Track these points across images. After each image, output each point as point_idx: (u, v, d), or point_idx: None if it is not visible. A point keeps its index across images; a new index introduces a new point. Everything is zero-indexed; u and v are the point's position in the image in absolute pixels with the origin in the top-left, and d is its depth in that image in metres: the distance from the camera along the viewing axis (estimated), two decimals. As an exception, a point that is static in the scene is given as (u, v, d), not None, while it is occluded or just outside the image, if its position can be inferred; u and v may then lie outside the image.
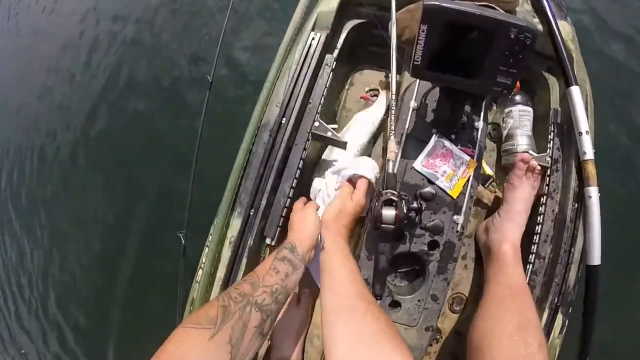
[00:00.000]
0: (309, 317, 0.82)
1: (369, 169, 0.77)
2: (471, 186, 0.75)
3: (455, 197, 0.74)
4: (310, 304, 0.83)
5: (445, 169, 0.75)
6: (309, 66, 0.79)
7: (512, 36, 0.63)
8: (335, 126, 0.81)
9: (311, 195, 0.83)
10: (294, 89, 0.77)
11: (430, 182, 0.74)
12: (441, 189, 0.74)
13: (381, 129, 0.90)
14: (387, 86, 0.92)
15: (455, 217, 0.73)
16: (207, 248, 0.74)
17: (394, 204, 0.65)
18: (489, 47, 0.64)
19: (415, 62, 0.66)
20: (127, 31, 2.13)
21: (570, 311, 0.76)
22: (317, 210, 0.76)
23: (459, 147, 0.76)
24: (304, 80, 0.78)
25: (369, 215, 0.72)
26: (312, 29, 0.82)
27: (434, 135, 0.76)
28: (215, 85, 1.13)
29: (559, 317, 0.74)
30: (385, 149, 0.80)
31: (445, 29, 0.63)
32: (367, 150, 0.89)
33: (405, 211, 0.65)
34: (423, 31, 0.63)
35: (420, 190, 0.74)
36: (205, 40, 1.87)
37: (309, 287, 0.83)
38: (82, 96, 2.11)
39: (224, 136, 1.40)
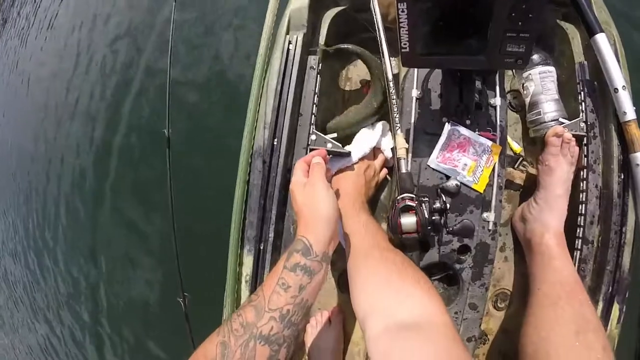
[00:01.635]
0: (342, 336, 0.79)
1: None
2: (498, 175, 0.65)
3: (482, 191, 0.65)
4: (341, 321, 0.79)
5: (465, 161, 0.65)
6: (290, 75, 0.70)
7: None
8: (335, 135, 0.73)
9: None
10: (280, 104, 0.70)
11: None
12: (465, 184, 0.65)
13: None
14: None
15: (485, 214, 0.65)
16: (225, 293, 0.70)
17: (413, 209, 0.57)
18: (489, 12, 0.53)
19: (404, 49, 0.57)
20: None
21: (627, 296, 0.67)
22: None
23: (477, 132, 0.66)
24: (288, 91, 0.70)
25: (388, 225, 0.64)
26: (287, 32, 0.73)
27: (446, 124, 0.66)
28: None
29: (615, 307, 0.65)
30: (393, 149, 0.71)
31: (428, 1, 0.52)
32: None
33: (427, 215, 0.58)
34: (402, 10, 0.53)
35: (442, 184, 0.65)
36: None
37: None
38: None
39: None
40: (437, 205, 0.61)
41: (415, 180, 0.65)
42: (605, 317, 0.66)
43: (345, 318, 0.79)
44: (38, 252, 2.37)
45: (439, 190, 0.64)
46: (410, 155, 0.65)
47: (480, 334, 0.70)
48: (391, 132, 0.72)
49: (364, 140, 0.73)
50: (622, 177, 0.67)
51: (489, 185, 0.65)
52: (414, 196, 0.58)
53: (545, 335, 0.59)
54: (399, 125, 0.63)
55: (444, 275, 0.68)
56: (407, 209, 0.58)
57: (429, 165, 0.66)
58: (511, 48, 0.56)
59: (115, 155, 1.89)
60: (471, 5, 0.53)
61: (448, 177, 0.65)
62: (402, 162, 0.62)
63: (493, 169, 0.65)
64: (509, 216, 0.77)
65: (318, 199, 0.52)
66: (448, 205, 0.63)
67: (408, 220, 0.57)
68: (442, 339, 0.44)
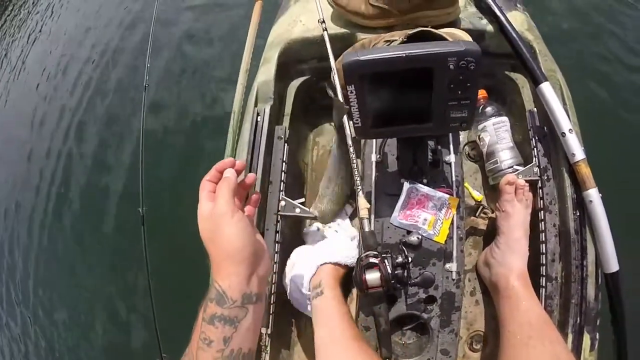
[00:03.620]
0: None
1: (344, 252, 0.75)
2: (457, 227, 0.69)
3: (443, 242, 0.69)
4: None
5: (425, 216, 0.70)
6: (259, 145, 0.76)
7: (452, 67, 0.56)
8: (303, 200, 0.78)
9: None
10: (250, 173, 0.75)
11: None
12: (426, 238, 0.69)
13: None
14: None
15: (447, 265, 0.68)
16: None
17: (377, 265, 0.61)
18: (430, 86, 0.58)
19: (356, 124, 0.62)
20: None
21: (598, 324, 0.69)
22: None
23: (434, 188, 0.71)
24: (257, 161, 0.75)
25: (354, 282, 0.68)
26: (255, 104, 0.79)
27: (405, 183, 0.71)
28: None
29: (586, 337, 0.67)
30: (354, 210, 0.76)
31: (375, 81, 0.57)
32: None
33: (389, 270, 0.61)
34: (352, 92, 0.58)
35: (404, 239, 0.69)
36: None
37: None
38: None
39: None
40: (400, 259, 0.64)
41: (379, 238, 0.69)
42: (577, 347, 0.68)
43: None
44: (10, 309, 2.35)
45: (401, 245, 0.68)
46: (372, 215, 0.70)
47: None
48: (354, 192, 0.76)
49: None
50: (578, 214, 0.70)
51: (449, 237, 0.69)
52: (377, 253, 0.62)
53: None
54: (360, 187, 0.68)
55: (415, 325, 0.72)
56: (370, 266, 0.62)
57: (391, 224, 0.70)
58: (454, 114, 0.62)
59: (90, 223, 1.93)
60: (413, 82, 0.58)
61: (410, 233, 0.69)
62: (365, 222, 0.65)
63: (452, 221, 0.69)
64: (476, 262, 0.80)
65: (223, 231, 0.43)
66: (410, 259, 0.66)
67: (372, 276, 0.60)
68: None
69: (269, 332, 0.74)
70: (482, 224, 0.81)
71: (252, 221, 0.52)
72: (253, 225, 0.51)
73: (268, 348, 0.75)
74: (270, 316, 0.73)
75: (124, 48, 2.35)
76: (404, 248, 0.68)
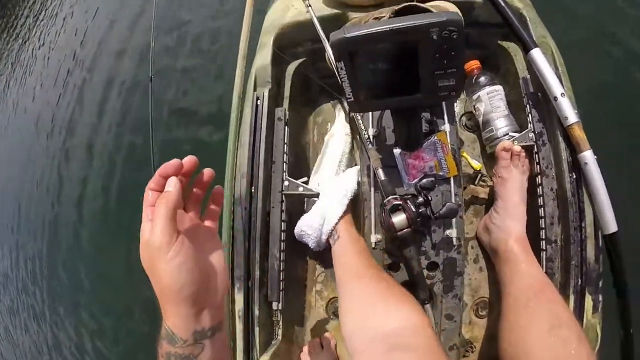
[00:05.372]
0: (335, 359, 0.83)
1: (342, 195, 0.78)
2: (455, 194, 0.71)
3: (457, 173, 0.72)
4: (333, 346, 0.84)
5: (428, 164, 0.72)
6: (261, 127, 0.79)
7: (435, 37, 0.57)
8: (306, 179, 0.81)
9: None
10: (253, 155, 0.78)
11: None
12: (439, 178, 0.71)
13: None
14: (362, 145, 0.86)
15: (447, 231, 0.70)
16: None
17: (401, 207, 0.65)
18: (416, 58, 0.60)
19: (349, 99, 0.64)
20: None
21: (600, 286, 0.70)
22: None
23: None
24: (260, 143, 0.78)
25: (382, 227, 0.70)
26: (254, 89, 0.83)
27: (395, 151, 0.73)
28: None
29: (588, 298, 0.69)
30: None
31: (363, 57, 0.60)
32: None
33: (414, 209, 0.64)
34: (342, 68, 0.61)
35: (419, 183, 0.70)
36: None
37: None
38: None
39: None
40: (420, 199, 0.66)
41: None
42: (579, 309, 0.69)
43: (336, 343, 0.85)
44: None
45: (418, 187, 0.69)
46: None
47: (461, 342, 0.74)
48: (364, 149, 0.78)
49: (341, 187, 0.79)
50: (574, 176, 0.71)
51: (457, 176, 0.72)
52: (398, 196, 0.65)
53: (521, 337, 0.62)
54: (370, 139, 0.71)
55: (419, 292, 0.74)
56: (395, 209, 0.65)
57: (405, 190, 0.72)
58: (442, 83, 0.63)
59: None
60: (399, 55, 0.60)
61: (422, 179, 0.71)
62: (380, 171, 0.69)
63: (450, 152, 0.71)
64: (477, 231, 0.82)
65: (158, 268, 0.36)
66: (430, 197, 0.68)
67: (399, 218, 0.64)
68: (425, 350, 0.49)
69: (280, 307, 0.77)
70: (482, 192, 0.82)
71: (213, 235, 0.45)
72: (214, 237, 0.45)
73: (280, 323, 0.79)
74: (281, 292, 0.77)
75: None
76: (421, 190, 0.69)
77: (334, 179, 0.83)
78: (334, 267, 0.73)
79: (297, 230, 0.80)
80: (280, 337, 0.79)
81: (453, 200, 0.71)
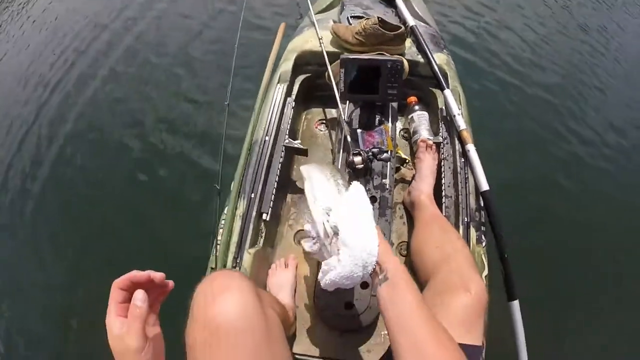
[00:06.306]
0: (295, 276, 1.10)
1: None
2: (391, 168, 1.16)
3: (392, 148, 1.15)
4: (295, 265, 1.13)
5: (377, 141, 1.16)
6: (279, 105, 1.25)
7: (389, 66, 1.10)
8: (299, 141, 1.25)
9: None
10: (271, 118, 1.22)
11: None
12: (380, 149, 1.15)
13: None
14: (338, 129, 1.34)
15: (383, 180, 1.14)
16: (223, 222, 1.08)
17: (358, 152, 1.08)
18: (378, 75, 1.11)
19: (342, 91, 1.13)
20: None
21: (483, 229, 1.08)
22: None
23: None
24: (276, 113, 1.23)
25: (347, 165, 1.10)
26: (278, 82, 1.30)
27: (357, 131, 1.19)
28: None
29: (472, 230, 1.06)
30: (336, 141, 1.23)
31: (355, 69, 1.11)
32: None
33: (366, 155, 1.08)
34: (344, 73, 1.11)
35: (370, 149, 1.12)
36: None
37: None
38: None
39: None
40: (371, 154, 1.10)
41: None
42: (466, 237, 1.04)
43: (298, 263, 1.14)
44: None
45: (370, 151, 1.10)
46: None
47: None
48: (342, 128, 1.20)
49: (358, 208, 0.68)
50: (463, 160, 1.16)
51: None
52: (357, 150, 1.09)
53: (423, 240, 0.98)
54: (346, 123, 1.17)
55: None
56: (356, 154, 1.07)
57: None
58: (390, 91, 1.14)
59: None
60: (370, 72, 1.11)
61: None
62: (349, 138, 1.14)
63: (390, 137, 1.17)
64: (403, 198, 1.26)
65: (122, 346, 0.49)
66: (375, 155, 1.10)
67: (358, 159, 1.07)
68: None
69: (267, 219, 1.13)
70: (408, 174, 1.29)
71: (159, 333, 0.55)
72: (160, 335, 0.55)
73: (264, 233, 1.12)
74: (270, 209, 1.13)
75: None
76: (370, 151, 1.11)
77: (341, 201, 0.70)
78: (381, 306, 0.62)
79: (329, 284, 0.67)
80: (261, 245, 1.11)
81: (388, 162, 1.16)
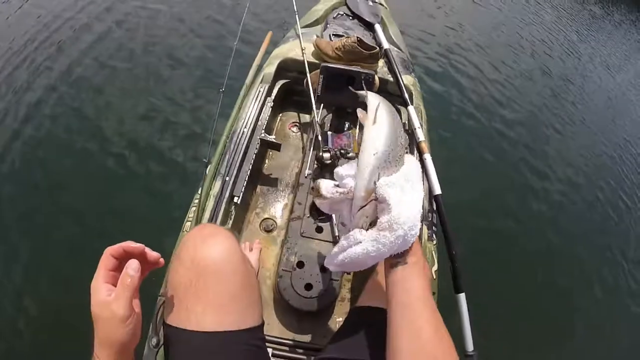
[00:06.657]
0: (258, 260, 1.16)
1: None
2: (353, 158, 1.29)
3: (357, 151, 1.27)
4: (259, 250, 1.20)
5: (345, 143, 1.29)
6: (259, 102, 1.36)
7: (363, 77, 1.25)
8: (274, 136, 1.36)
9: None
10: (251, 113, 1.33)
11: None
12: (347, 150, 1.27)
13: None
14: (310, 130, 1.46)
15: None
16: (196, 201, 1.16)
17: (327, 150, 1.21)
18: (352, 83, 1.25)
19: (318, 94, 1.27)
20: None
21: (434, 228, 1.22)
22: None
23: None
24: (256, 109, 1.34)
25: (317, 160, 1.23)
26: (261, 83, 1.42)
27: (328, 134, 1.32)
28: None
29: (424, 227, 1.20)
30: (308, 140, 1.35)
31: (333, 76, 1.25)
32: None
33: (334, 153, 1.21)
34: (323, 78, 1.24)
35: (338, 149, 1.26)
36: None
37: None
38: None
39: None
40: (338, 153, 1.23)
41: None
42: (419, 234, 1.14)
43: (261, 249, 1.21)
44: None
45: (338, 149, 1.24)
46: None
47: None
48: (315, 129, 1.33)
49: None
50: (421, 166, 1.27)
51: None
52: (326, 147, 1.22)
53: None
54: (318, 125, 1.29)
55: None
56: (325, 151, 1.20)
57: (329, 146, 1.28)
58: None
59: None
60: (344, 79, 1.25)
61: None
62: (320, 138, 1.25)
63: (357, 140, 1.29)
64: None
65: (113, 330, 0.50)
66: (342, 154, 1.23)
67: (326, 155, 1.20)
68: None
69: (238, 202, 1.21)
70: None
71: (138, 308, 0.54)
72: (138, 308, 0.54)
73: (233, 215, 1.20)
74: (241, 193, 1.21)
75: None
76: (339, 151, 1.25)
77: (398, 170, 0.58)
78: (389, 289, 0.59)
79: (347, 262, 0.58)
80: (230, 226, 1.19)
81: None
